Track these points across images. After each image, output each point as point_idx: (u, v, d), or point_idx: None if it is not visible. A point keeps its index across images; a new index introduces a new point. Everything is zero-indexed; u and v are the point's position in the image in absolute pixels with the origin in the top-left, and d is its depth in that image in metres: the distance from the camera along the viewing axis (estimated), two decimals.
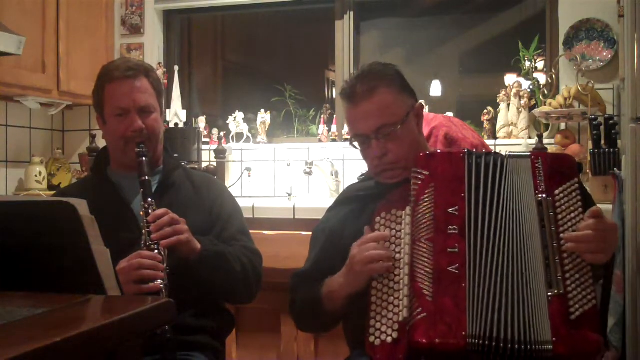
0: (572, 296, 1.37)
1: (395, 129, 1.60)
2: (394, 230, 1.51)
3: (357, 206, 1.70)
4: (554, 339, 1.34)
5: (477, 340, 1.33)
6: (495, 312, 1.36)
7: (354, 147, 1.68)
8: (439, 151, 1.57)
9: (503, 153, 1.53)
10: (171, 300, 1.10)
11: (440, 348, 1.33)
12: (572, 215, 1.44)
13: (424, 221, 1.45)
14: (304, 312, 1.69)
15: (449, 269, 1.39)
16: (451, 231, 1.42)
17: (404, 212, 1.51)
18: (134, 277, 1.58)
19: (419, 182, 1.49)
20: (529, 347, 1.34)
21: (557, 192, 1.46)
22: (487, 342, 1.33)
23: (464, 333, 1.33)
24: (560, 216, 1.44)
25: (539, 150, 2.67)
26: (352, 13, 3.47)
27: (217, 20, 4.05)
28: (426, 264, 1.41)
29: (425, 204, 1.46)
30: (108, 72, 1.83)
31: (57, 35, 3.12)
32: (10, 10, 2.88)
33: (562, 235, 1.42)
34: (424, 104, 2.62)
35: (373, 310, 1.46)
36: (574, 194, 1.46)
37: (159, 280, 1.60)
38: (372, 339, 1.43)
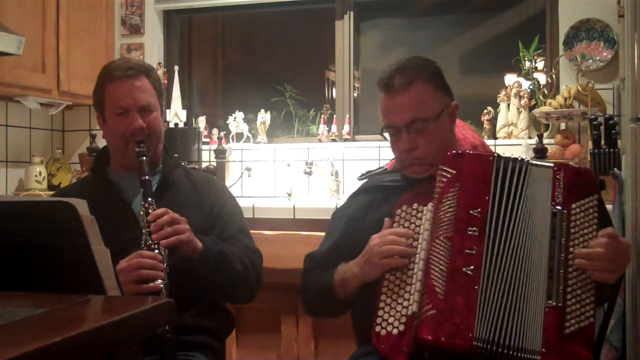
0: (569, 310, 1.37)
1: (428, 125, 1.60)
2: (413, 225, 1.52)
3: (379, 196, 1.70)
4: (543, 349, 1.34)
5: (482, 344, 1.34)
6: (499, 317, 1.36)
7: (384, 137, 1.68)
8: (468, 152, 1.57)
9: (526, 158, 1.53)
10: (171, 300, 1.10)
11: (445, 346, 1.33)
12: (585, 231, 1.43)
13: (444, 219, 1.45)
14: (315, 298, 1.69)
15: (463, 269, 1.39)
16: (471, 232, 1.43)
17: (425, 207, 1.51)
18: (134, 277, 1.58)
19: (445, 180, 1.49)
20: (519, 354, 1.34)
21: (573, 205, 1.45)
22: (489, 346, 1.34)
23: (470, 335, 1.34)
24: (572, 230, 1.43)
25: (540, 151, 2.67)
26: (352, 13, 3.47)
27: (217, 20, 4.04)
28: (442, 262, 1.41)
29: (448, 202, 1.46)
30: (108, 72, 1.83)
31: (57, 35, 3.12)
32: (10, 10, 2.88)
33: (571, 249, 1.41)
34: None
35: (383, 301, 1.46)
36: (590, 210, 1.45)
37: (159, 280, 1.60)
38: (378, 328, 1.44)
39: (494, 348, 1.34)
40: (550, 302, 1.37)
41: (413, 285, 1.44)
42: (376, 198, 1.70)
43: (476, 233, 1.42)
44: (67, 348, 0.84)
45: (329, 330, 2.65)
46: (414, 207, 1.54)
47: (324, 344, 2.69)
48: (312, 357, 2.70)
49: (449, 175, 1.49)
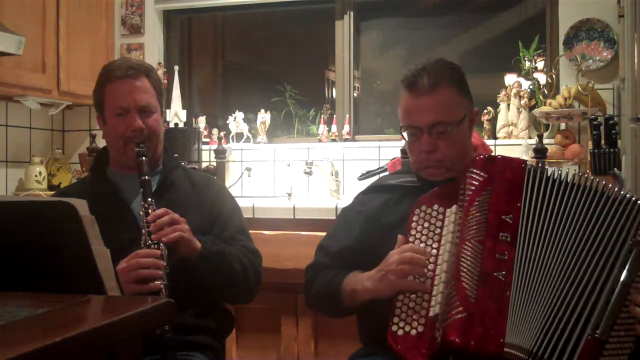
0: (609, 347, 1.35)
1: (450, 129, 1.59)
2: (433, 226, 1.51)
3: (395, 195, 1.69)
4: None
5: (513, 350, 1.32)
6: (531, 327, 1.35)
7: (403, 137, 1.67)
8: (499, 156, 1.55)
9: (580, 176, 1.47)
10: (171, 300, 1.10)
11: (475, 350, 1.31)
12: None
13: (474, 222, 1.43)
14: (320, 297, 1.67)
15: (495, 274, 1.37)
16: (502, 238, 1.40)
17: (447, 209, 1.50)
18: (133, 277, 1.58)
19: (475, 183, 1.47)
20: None
21: None
22: (520, 354, 1.33)
23: (502, 340, 1.32)
24: None
25: (539, 151, 2.68)
26: (352, 13, 3.47)
27: (217, 20, 4.05)
28: (472, 265, 1.38)
29: (480, 205, 1.44)
30: (109, 72, 1.83)
31: (57, 35, 3.12)
32: (10, 10, 2.88)
33: (632, 290, 1.37)
34: None
35: (400, 301, 1.45)
36: None
37: (159, 280, 1.59)
38: (395, 328, 1.42)
39: (526, 356, 1.32)
40: (597, 332, 1.34)
41: (436, 287, 1.42)
42: (392, 197, 1.69)
43: (507, 239, 1.40)
44: (67, 348, 0.84)
45: (329, 330, 2.65)
46: (434, 207, 1.52)
47: (324, 344, 2.69)
48: (312, 357, 2.70)
49: (480, 179, 1.47)
